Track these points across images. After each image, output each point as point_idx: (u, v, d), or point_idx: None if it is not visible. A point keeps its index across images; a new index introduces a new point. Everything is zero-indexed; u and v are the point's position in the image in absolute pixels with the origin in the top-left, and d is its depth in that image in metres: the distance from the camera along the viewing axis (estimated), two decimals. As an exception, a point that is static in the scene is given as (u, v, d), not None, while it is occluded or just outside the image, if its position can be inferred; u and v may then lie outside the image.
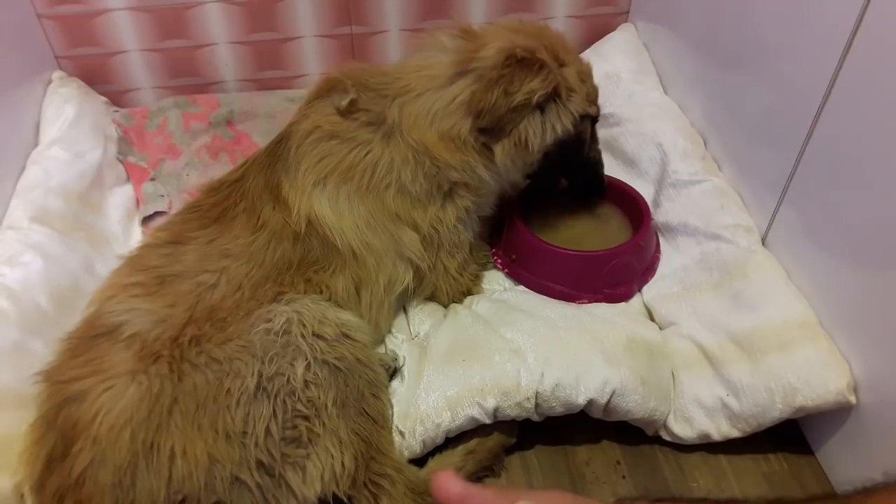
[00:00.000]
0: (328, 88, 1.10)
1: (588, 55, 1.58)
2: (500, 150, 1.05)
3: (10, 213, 1.19)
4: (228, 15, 1.52)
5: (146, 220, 1.37)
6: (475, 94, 1.01)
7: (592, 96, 1.12)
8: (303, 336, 0.91)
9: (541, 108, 1.04)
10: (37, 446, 0.84)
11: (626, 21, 1.65)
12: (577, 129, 1.09)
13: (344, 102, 1.06)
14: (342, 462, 0.89)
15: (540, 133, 1.04)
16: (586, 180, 1.22)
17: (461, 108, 1.03)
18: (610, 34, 1.62)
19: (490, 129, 1.03)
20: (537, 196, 1.26)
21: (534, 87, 1.00)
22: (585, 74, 1.10)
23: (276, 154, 1.08)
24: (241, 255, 0.98)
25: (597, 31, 1.64)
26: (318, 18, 1.55)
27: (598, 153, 1.21)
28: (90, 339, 0.89)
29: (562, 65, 1.05)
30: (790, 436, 1.05)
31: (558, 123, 1.05)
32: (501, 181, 1.14)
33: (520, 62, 0.99)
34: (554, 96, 1.04)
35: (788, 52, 1.04)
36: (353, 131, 1.06)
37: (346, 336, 0.95)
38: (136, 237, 1.34)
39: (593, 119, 1.14)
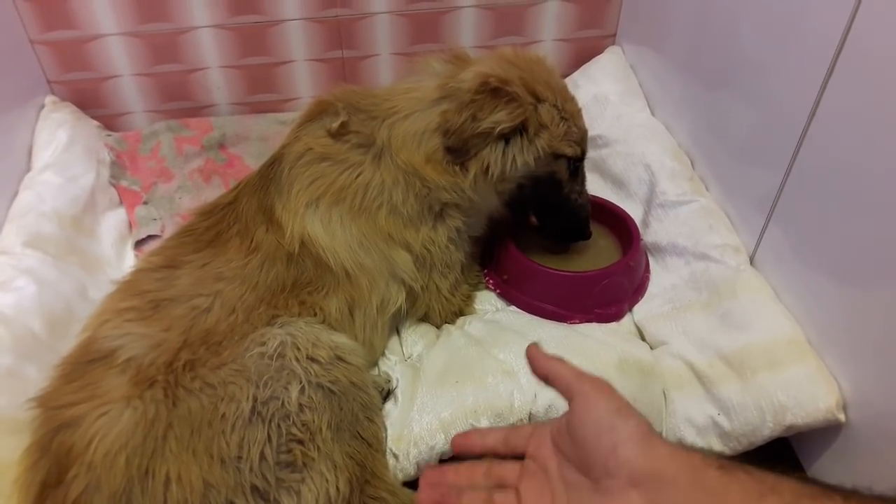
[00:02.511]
0: (319, 111, 1.12)
1: (576, 77, 1.62)
2: (471, 171, 1.06)
3: (3, 237, 1.19)
4: (220, 39, 1.53)
5: (139, 244, 1.38)
6: (445, 113, 1.03)
7: (574, 137, 1.10)
8: (297, 359, 0.91)
9: (506, 138, 1.04)
10: (31, 473, 0.83)
11: (612, 44, 1.67)
12: (549, 168, 1.10)
13: (335, 125, 1.07)
14: (337, 486, 0.89)
15: (500, 163, 1.05)
16: (564, 223, 1.20)
17: (439, 129, 1.05)
18: (597, 57, 1.65)
19: (455, 149, 1.04)
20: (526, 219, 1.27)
21: (500, 118, 1.00)
22: (569, 114, 1.09)
23: (269, 176, 1.09)
24: (234, 277, 0.99)
25: (584, 53, 1.67)
26: (309, 43, 1.57)
27: (581, 195, 1.18)
28: (84, 364, 0.89)
29: (539, 100, 1.05)
30: (781, 454, 1.05)
31: (520, 157, 1.05)
32: (489, 204, 1.15)
33: (492, 91, 1.00)
34: (521, 129, 1.04)
35: (773, 72, 1.06)
36: (345, 153, 1.07)
37: (340, 359, 0.95)
38: (128, 261, 1.34)
39: (572, 160, 1.12)
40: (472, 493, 0.64)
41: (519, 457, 0.66)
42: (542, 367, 0.66)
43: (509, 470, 0.66)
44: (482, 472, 0.67)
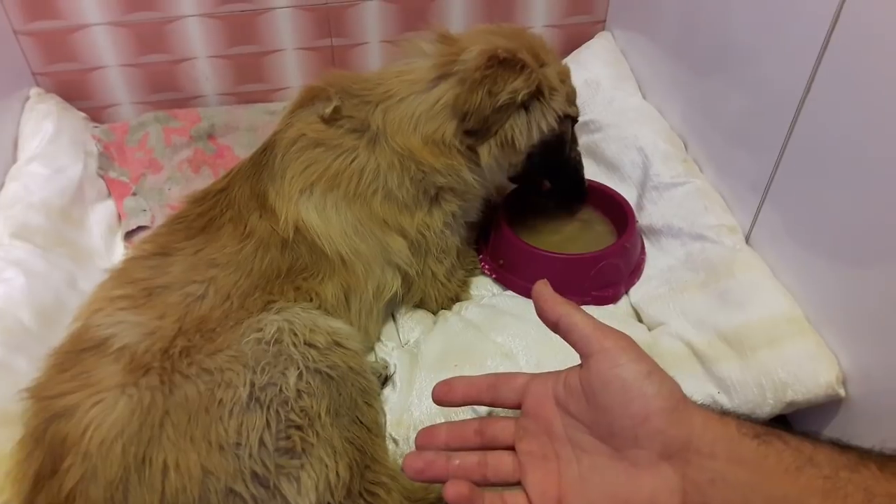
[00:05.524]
0: (311, 97, 1.11)
1: (567, 63, 1.61)
2: (486, 151, 1.06)
3: (-10, 229, 1.17)
4: (208, 29, 1.51)
5: (129, 235, 1.36)
6: (459, 96, 1.02)
7: (572, 97, 1.14)
8: (294, 345, 0.90)
9: (525, 107, 1.05)
10: (24, 464, 0.82)
11: (602, 29, 1.67)
12: (560, 129, 1.11)
13: (328, 110, 1.06)
14: (337, 471, 0.88)
15: (526, 131, 1.06)
16: (568, 182, 1.23)
17: (444, 111, 1.04)
18: (588, 42, 1.64)
19: (476, 130, 1.03)
20: (522, 201, 1.26)
21: (517, 86, 1.01)
22: (564, 75, 1.13)
23: (262, 163, 1.08)
24: (228, 264, 0.97)
25: (574, 39, 1.66)
26: (298, 31, 1.55)
27: (579, 154, 1.23)
28: (77, 353, 0.87)
29: (542, 64, 1.07)
30: (781, 432, 1.05)
31: (543, 122, 1.07)
32: (487, 184, 1.15)
33: (502, 63, 1.00)
34: (537, 95, 1.06)
35: (765, 55, 1.06)
36: (339, 138, 1.06)
37: (338, 344, 0.94)
38: (118, 252, 1.32)
39: (573, 120, 1.16)
40: (464, 456, 0.57)
41: (509, 408, 0.60)
42: (552, 313, 0.57)
43: (502, 428, 0.59)
44: (473, 429, 0.61)
